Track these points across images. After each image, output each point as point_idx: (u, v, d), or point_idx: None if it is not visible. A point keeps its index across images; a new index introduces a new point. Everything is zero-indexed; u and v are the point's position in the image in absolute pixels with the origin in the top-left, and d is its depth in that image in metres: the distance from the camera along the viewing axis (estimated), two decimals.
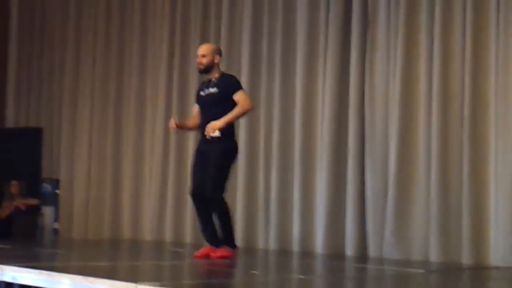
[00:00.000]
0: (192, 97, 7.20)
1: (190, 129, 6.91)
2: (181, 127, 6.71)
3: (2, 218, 9.71)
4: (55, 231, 10.14)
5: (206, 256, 6.36)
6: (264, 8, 8.41)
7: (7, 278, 4.86)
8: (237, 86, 6.41)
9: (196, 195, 6.37)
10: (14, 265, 4.95)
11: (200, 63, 6.44)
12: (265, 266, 6.70)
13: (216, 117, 6.30)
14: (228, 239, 6.40)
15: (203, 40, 8.94)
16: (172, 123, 6.61)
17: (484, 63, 6.76)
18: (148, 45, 9.69)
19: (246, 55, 8.48)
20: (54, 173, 10.36)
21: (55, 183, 10.25)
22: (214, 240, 6.43)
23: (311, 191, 7.82)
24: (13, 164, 10.47)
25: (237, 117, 6.45)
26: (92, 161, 10.04)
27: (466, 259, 6.63)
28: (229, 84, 6.40)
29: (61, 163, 10.21)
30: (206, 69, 6.45)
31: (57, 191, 10.20)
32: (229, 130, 6.37)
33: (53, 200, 10.22)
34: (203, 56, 6.42)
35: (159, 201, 9.30)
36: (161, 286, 4.18)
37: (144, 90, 9.71)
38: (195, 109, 6.70)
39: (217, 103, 6.36)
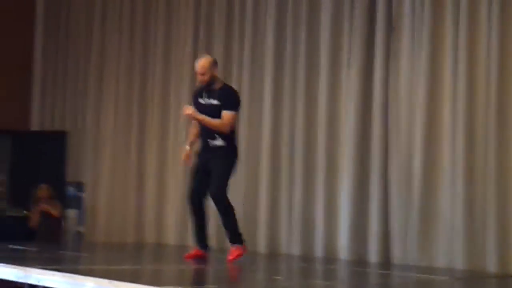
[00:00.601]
0: None
1: (195, 141, 6.95)
2: (190, 152, 6.82)
3: (34, 227, 9.75)
4: (80, 234, 10.19)
5: (195, 257, 6.63)
6: (288, 11, 8.40)
7: (32, 281, 4.89)
8: (232, 106, 6.58)
9: (194, 200, 6.62)
10: (39, 268, 4.98)
11: (202, 81, 6.64)
12: (289, 271, 6.68)
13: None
14: (236, 237, 6.61)
15: (227, 42, 8.96)
16: (187, 158, 6.76)
17: (511, 67, 6.70)
18: (172, 48, 9.70)
19: (269, 60, 8.46)
20: (79, 176, 10.41)
21: (80, 187, 10.30)
22: (204, 243, 6.72)
23: (335, 197, 7.78)
24: (38, 167, 10.54)
25: (209, 125, 6.56)
26: (116, 164, 10.07)
27: (491, 266, 6.56)
28: (229, 100, 6.60)
29: (86, 166, 10.25)
30: (209, 85, 6.63)
31: (82, 194, 10.25)
32: (232, 141, 6.63)
33: (78, 203, 10.27)
34: (202, 74, 6.61)
35: (182, 205, 9.28)
36: None
37: (168, 93, 9.71)
38: None
39: (217, 115, 6.54)
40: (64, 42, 10.90)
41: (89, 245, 9.37)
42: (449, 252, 6.88)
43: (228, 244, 6.81)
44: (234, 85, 8.54)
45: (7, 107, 10.68)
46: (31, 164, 10.61)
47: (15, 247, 7.19)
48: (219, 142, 6.53)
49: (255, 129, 8.55)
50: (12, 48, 10.83)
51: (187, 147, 6.81)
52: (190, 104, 6.85)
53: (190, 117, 6.74)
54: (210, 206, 6.82)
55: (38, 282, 4.86)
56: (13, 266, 5.10)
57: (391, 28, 7.49)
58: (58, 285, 4.80)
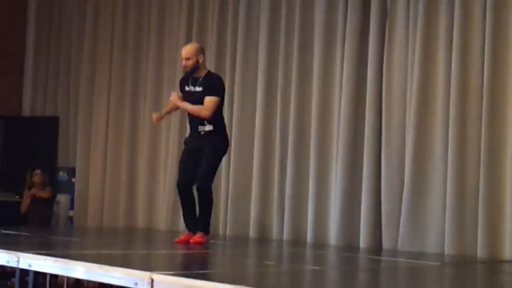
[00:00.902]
0: None
1: (169, 113, 7.22)
2: (162, 117, 7.04)
3: (23, 213, 9.75)
4: (70, 219, 10.20)
5: (187, 242, 6.63)
6: (282, 1, 8.38)
7: (23, 265, 4.89)
8: (215, 92, 6.60)
9: (184, 187, 6.64)
10: (30, 252, 4.98)
11: (186, 66, 6.65)
12: (279, 256, 6.71)
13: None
14: (206, 225, 6.69)
15: (220, 32, 8.94)
16: (155, 118, 6.91)
17: (504, 57, 6.71)
18: (166, 34, 9.69)
19: (263, 49, 8.47)
20: (70, 161, 10.41)
21: (71, 172, 10.30)
22: (194, 228, 6.73)
23: (326, 182, 7.81)
24: (30, 152, 10.52)
25: (192, 112, 6.65)
26: (108, 150, 10.08)
27: (481, 252, 6.60)
28: (212, 86, 6.62)
29: (77, 152, 10.25)
30: (192, 71, 6.64)
31: (73, 179, 10.25)
32: (220, 126, 6.67)
33: (69, 188, 10.28)
34: (187, 59, 6.61)
35: (174, 190, 9.29)
36: (175, 275, 4.19)
37: (161, 79, 9.70)
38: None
39: (202, 102, 6.58)
40: (56, 27, 10.87)
41: (80, 230, 9.37)
42: (439, 237, 6.91)
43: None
44: (227, 75, 8.58)
45: None
46: (23, 149, 10.60)
47: (6, 231, 7.19)
48: (208, 127, 6.56)
49: (248, 116, 8.57)
50: (4, 33, 10.80)
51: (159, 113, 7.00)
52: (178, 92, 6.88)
53: (174, 105, 6.81)
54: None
55: (30, 266, 4.86)
56: (4, 250, 5.09)
57: (385, 13, 7.49)
58: (49, 270, 4.81)
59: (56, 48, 10.83)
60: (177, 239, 6.76)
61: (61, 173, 10.43)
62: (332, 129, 7.84)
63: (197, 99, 6.61)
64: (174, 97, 6.73)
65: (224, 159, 8.46)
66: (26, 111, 11.05)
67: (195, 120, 6.64)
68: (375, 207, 7.39)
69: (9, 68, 10.89)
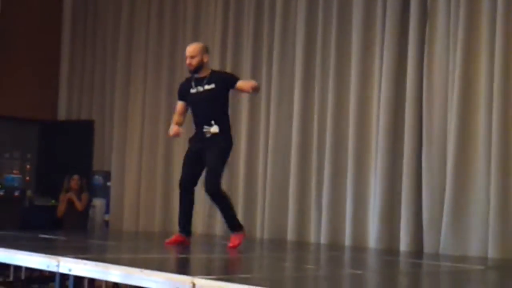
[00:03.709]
0: None
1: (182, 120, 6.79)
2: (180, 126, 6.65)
3: (60, 217, 9.77)
4: (106, 223, 10.20)
5: (177, 243, 6.55)
6: (319, 2, 8.30)
7: (63, 270, 4.86)
8: (235, 77, 6.51)
9: (186, 187, 6.55)
10: (70, 257, 4.95)
11: (190, 64, 6.46)
12: (319, 260, 6.62)
13: (216, 112, 6.40)
14: (235, 224, 6.52)
15: (256, 36, 8.89)
16: (176, 132, 6.57)
17: None
18: (201, 35, 9.65)
19: (300, 52, 8.40)
20: (106, 165, 10.42)
21: (107, 176, 10.31)
22: (188, 229, 6.65)
23: (366, 185, 7.72)
24: (65, 156, 10.56)
25: (244, 90, 6.49)
26: (143, 153, 10.06)
27: None
28: (227, 78, 6.52)
29: (113, 155, 10.26)
30: (196, 70, 6.47)
31: (108, 183, 10.26)
32: (226, 127, 6.47)
33: (104, 192, 10.29)
34: (192, 57, 6.46)
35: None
36: (216, 279, 4.12)
37: None
38: (180, 105, 6.64)
39: (215, 98, 6.43)
40: (91, 30, 10.91)
41: (116, 234, 9.36)
42: (482, 241, 6.78)
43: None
44: (264, 81, 8.51)
45: (35, 96, 10.72)
46: (58, 154, 10.64)
47: (44, 236, 7.20)
48: (214, 129, 6.34)
49: (286, 118, 8.50)
50: (41, 39, 10.86)
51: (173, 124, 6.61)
52: (177, 97, 6.67)
53: (257, 89, 6.51)
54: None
55: (70, 271, 4.84)
56: (44, 255, 5.08)
57: (425, 14, 7.37)
58: (90, 274, 4.77)
59: (91, 52, 10.86)
60: (167, 240, 6.61)
61: (96, 177, 10.45)
62: (371, 132, 7.74)
63: (208, 98, 6.40)
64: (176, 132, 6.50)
65: (260, 163, 8.43)
66: (62, 116, 11.08)
67: (202, 121, 6.42)
68: (416, 210, 7.28)
69: (45, 73, 10.95)
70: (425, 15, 7.38)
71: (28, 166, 10.94)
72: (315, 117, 8.22)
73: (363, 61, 7.83)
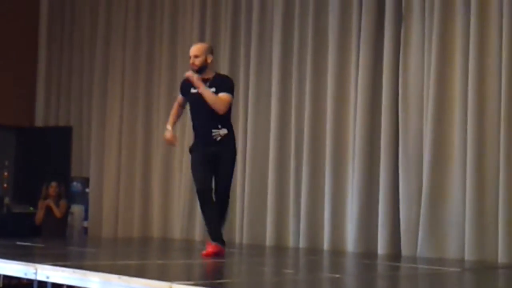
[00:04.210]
0: None
1: (176, 122, 6.71)
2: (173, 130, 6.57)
3: (38, 224, 9.71)
4: (85, 230, 10.16)
5: (215, 254, 6.25)
6: (295, 4, 8.34)
7: (41, 277, 4.84)
8: (229, 89, 6.34)
9: (208, 195, 6.30)
10: (48, 264, 4.94)
11: (193, 64, 6.33)
12: (298, 265, 6.64)
13: (215, 116, 6.27)
14: (220, 235, 6.34)
15: (233, 40, 8.91)
16: (170, 138, 6.48)
17: None
18: (178, 42, 9.66)
19: (277, 53, 8.42)
20: (84, 171, 10.38)
21: (85, 182, 10.27)
22: (222, 237, 6.37)
23: (343, 188, 7.75)
24: (43, 163, 10.50)
25: (208, 98, 6.25)
26: (122, 159, 10.03)
27: (502, 257, 6.52)
28: (225, 84, 6.35)
29: (91, 161, 10.22)
30: (200, 70, 6.34)
31: (87, 190, 10.22)
32: (232, 129, 6.43)
33: (83, 199, 10.24)
34: (196, 56, 6.34)
35: (189, 199, 9.27)
36: (195, 285, 4.13)
37: (174, 86, 9.62)
38: (180, 98, 6.58)
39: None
40: (68, 37, 10.87)
41: (95, 240, 9.33)
42: (459, 243, 6.83)
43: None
44: (241, 83, 8.53)
45: (11, 103, 10.65)
46: (36, 160, 10.58)
47: (22, 243, 7.16)
48: (223, 131, 6.28)
49: (263, 121, 8.52)
50: (17, 44, 10.80)
51: (169, 127, 6.50)
52: (179, 93, 6.61)
53: (191, 80, 6.32)
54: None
55: (47, 278, 4.82)
56: (22, 262, 5.06)
57: (400, 18, 7.42)
58: (68, 282, 4.76)
59: (68, 58, 10.82)
60: (204, 252, 6.31)
61: (75, 183, 10.41)
62: (348, 136, 7.78)
63: (205, 101, 6.28)
64: (193, 77, 6.27)
65: (239, 168, 8.44)
66: (39, 122, 11.03)
67: (208, 124, 6.31)
68: (393, 213, 7.32)
69: (21, 78, 10.89)
70: (400, 17, 7.44)
71: (5, 173, 10.87)
72: (293, 123, 8.24)
73: (340, 63, 7.87)
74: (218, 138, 6.30)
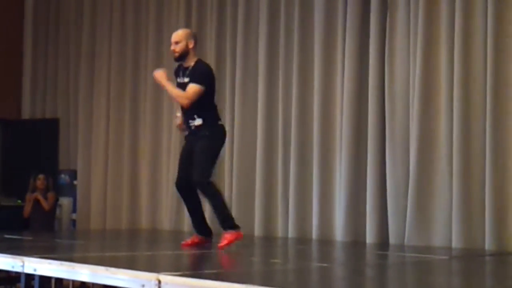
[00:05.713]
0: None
1: None
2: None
3: (26, 217, 9.67)
4: (73, 222, 10.14)
5: (193, 244, 6.27)
6: None
7: (28, 270, 4.84)
8: (199, 79, 6.07)
9: (181, 186, 6.23)
10: (35, 257, 4.93)
11: (174, 51, 6.14)
12: (286, 254, 6.66)
13: (192, 107, 6.08)
14: (226, 221, 6.13)
15: (219, 32, 8.89)
16: (180, 125, 6.41)
17: (507, 50, 6.65)
18: (164, 35, 9.62)
19: (263, 44, 8.42)
20: (72, 164, 10.35)
21: (73, 174, 10.24)
22: (203, 229, 6.34)
23: (331, 178, 7.77)
24: (30, 156, 10.47)
25: (171, 93, 6.17)
26: (110, 151, 10.02)
27: (489, 244, 6.56)
28: (196, 74, 6.11)
29: (78, 154, 10.19)
30: (181, 56, 6.16)
31: (75, 182, 10.20)
32: (211, 117, 6.20)
33: (71, 191, 10.22)
34: (177, 42, 6.12)
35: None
36: (182, 275, 4.14)
37: None
38: None
39: None
40: (54, 28, 10.82)
41: (83, 232, 9.32)
42: (446, 231, 6.87)
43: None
44: (228, 75, 8.51)
45: None
46: (23, 153, 10.54)
47: (10, 236, 7.14)
48: (198, 121, 6.11)
49: (250, 115, 8.52)
50: (2, 37, 10.74)
51: (178, 114, 6.41)
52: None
53: (157, 81, 6.23)
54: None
55: (35, 271, 4.81)
56: (9, 255, 5.04)
57: (385, 13, 7.43)
58: (55, 274, 4.76)
59: (54, 49, 10.77)
60: (183, 242, 6.39)
61: (62, 176, 10.38)
62: (335, 126, 7.79)
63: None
64: (159, 73, 6.14)
65: (226, 158, 8.42)
66: (26, 114, 10.98)
67: (186, 115, 6.17)
68: (381, 202, 7.35)
69: (7, 70, 10.83)
70: (385, 6, 7.44)
71: None
72: (280, 113, 8.24)
73: (326, 56, 7.88)
74: (193, 128, 6.17)
